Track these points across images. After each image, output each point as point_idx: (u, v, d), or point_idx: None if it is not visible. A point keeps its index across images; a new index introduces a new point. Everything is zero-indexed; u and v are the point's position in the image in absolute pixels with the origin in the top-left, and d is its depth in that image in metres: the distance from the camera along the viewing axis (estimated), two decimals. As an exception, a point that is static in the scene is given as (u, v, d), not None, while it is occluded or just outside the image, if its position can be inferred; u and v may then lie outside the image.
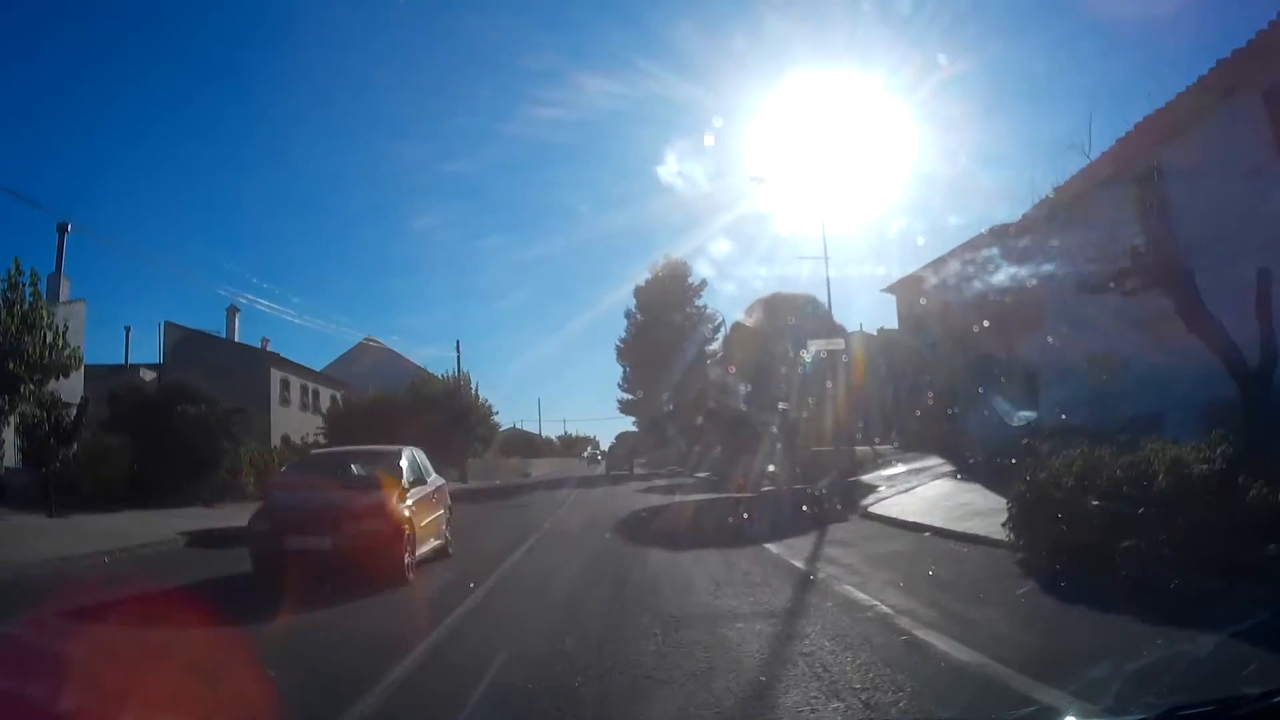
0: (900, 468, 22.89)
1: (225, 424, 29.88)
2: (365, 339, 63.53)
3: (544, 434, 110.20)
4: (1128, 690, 3.21)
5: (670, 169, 53.71)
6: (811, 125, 29.38)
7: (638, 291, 57.93)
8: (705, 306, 57.43)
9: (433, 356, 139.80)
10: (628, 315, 58.78)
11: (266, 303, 64.94)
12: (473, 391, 42.97)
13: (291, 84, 74.26)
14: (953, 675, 5.12)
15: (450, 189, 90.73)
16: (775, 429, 33.05)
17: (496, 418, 47.94)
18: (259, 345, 50.77)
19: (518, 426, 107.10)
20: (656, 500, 23.25)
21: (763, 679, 5.16)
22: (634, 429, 78.38)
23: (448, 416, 39.91)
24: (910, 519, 14.48)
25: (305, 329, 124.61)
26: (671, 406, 57.90)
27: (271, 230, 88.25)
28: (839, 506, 17.59)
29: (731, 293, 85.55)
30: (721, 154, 57.90)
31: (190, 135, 75.02)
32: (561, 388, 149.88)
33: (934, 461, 23.02)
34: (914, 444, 28.95)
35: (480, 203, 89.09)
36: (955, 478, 19.20)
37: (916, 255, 46.31)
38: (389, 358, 62.01)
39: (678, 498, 24.26)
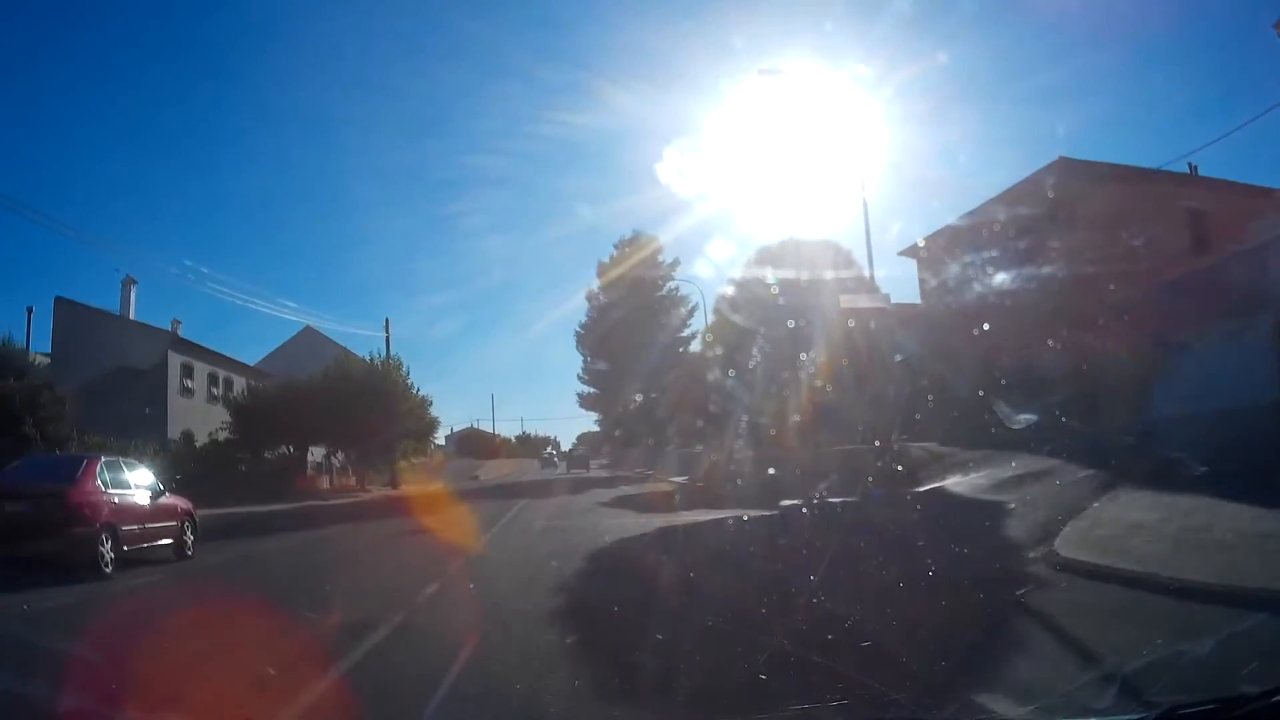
0: (1003, 470, 14.69)
1: (31, 403, 20.98)
2: (306, 327, 54.93)
3: (503, 433, 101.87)
4: (1128, 690, 2.79)
5: (659, 166, 47.29)
6: (802, 117, 24.16)
7: (601, 270, 49.44)
8: (678, 289, 49.11)
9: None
10: (589, 297, 50.23)
11: (222, 286, 55.15)
12: (404, 378, 33.98)
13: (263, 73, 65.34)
14: None
15: (422, 184, 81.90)
16: (768, 422, 25.05)
17: (434, 411, 39.28)
18: (159, 326, 41.11)
19: (475, 426, 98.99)
20: (633, 522, 14.75)
21: None
22: (596, 428, 70.91)
23: (371, 407, 31.13)
24: (1214, 580, 6.27)
25: (249, 323, 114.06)
26: (640, 399, 49.55)
27: (221, 218, 78.34)
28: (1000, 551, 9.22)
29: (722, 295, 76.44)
30: (713, 152, 51.01)
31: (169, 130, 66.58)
32: (523, 386, 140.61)
33: (1037, 463, 14.87)
34: (961, 439, 20.77)
35: (450, 197, 79.62)
36: (1125, 487, 11.06)
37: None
38: (331, 349, 53.86)
39: (665, 518, 15.61)
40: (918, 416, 24.02)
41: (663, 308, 48.01)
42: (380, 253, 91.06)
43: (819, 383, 23.18)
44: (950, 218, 35.10)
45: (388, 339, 36.64)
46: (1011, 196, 24.95)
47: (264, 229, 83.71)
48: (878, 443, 20.29)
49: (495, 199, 77.75)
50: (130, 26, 60.84)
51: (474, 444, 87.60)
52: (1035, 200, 24.60)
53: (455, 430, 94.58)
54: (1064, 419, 17.95)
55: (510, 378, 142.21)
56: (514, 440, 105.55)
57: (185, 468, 29.48)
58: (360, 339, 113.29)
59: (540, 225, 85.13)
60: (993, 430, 19.99)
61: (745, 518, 14.26)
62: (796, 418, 24.12)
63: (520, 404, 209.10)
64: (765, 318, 24.60)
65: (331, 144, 74.48)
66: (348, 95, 67.60)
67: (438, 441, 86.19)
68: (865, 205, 18.51)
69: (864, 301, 18.86)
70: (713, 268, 45.41)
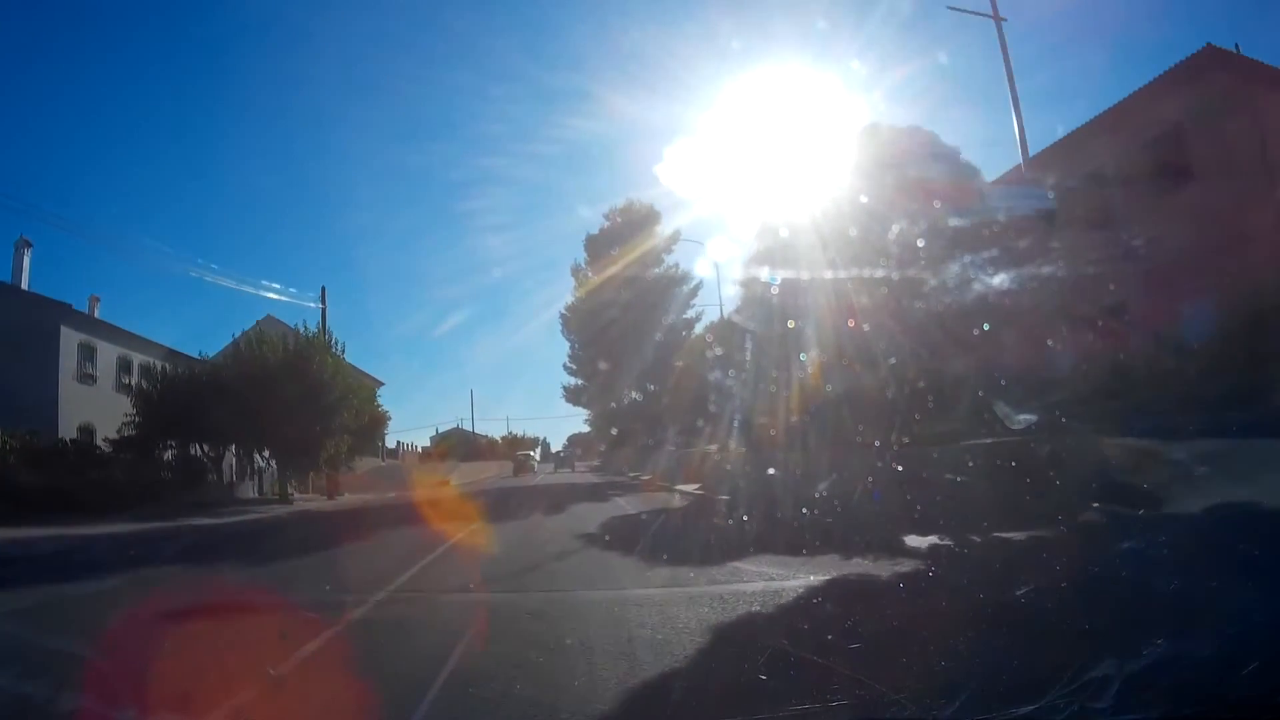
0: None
1: None
2: (267, 316, 48.04)
3: (486, 433, 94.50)
4: (1128, 690, 2.65)
5: (658, 166, 41.58)
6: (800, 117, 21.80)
7: (589, 243, 41.75)
8: (678, 266, 41.59)
9: (363, 353, 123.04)
10: (576, 273, 42.54)
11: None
12: (335, 358, 26.07)
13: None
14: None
15: (403, 181, 79.28)
16: (822, 413, 17.64)
17: (381, 404, 31.64)
18: (65, 300, 33.37)
19: (459, 425, 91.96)
20: (661, 605, 6.46)
21: None
22: (587, 428, 64.30)
23: (288, 396, 23.53)
24: None
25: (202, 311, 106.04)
26: (636, 397, 42.11)
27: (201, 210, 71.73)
28: None
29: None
30: (712, 151, 46.25)
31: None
32: (516, 387, 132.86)
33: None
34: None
35: (448, 197, 77.45)
36: None
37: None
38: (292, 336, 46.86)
39: (727, 581, 7.42)
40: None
41: (662, 286, 40.49)
42: (369, 251, 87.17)
43: (899, 350, 15.76)
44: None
45: (323, 311, 28.93)
46: (1149, 97, 17.76)
47: (254, 227, 77.92)
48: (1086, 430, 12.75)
49: (494, 199, 73.23)
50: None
51: (459, 445, 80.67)
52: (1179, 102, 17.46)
53: (440, 430, 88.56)
54: None
55: (502, 378, 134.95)
56: (500, 441, 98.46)
57: (27, 470, 21.69)
58: (343, 334, 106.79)
59: (537, 225, 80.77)
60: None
61: (884, 577, 6.79)
62: (859, 408, 16.79)
63: (513, 405, 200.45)
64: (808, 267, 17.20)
65: (324, 143, 72.31)
66: (344, 94, 65.44)
67: (423, 442, 79.99)
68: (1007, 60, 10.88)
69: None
70: (713, 267, 39.99)
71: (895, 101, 27.70)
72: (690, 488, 24.73)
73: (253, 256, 78.67)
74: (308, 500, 27.19)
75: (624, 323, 39.16)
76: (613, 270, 39.91)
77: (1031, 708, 2.67)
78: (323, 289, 29.74)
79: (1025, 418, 12.56)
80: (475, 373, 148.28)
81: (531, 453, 49.58)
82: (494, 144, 62.22)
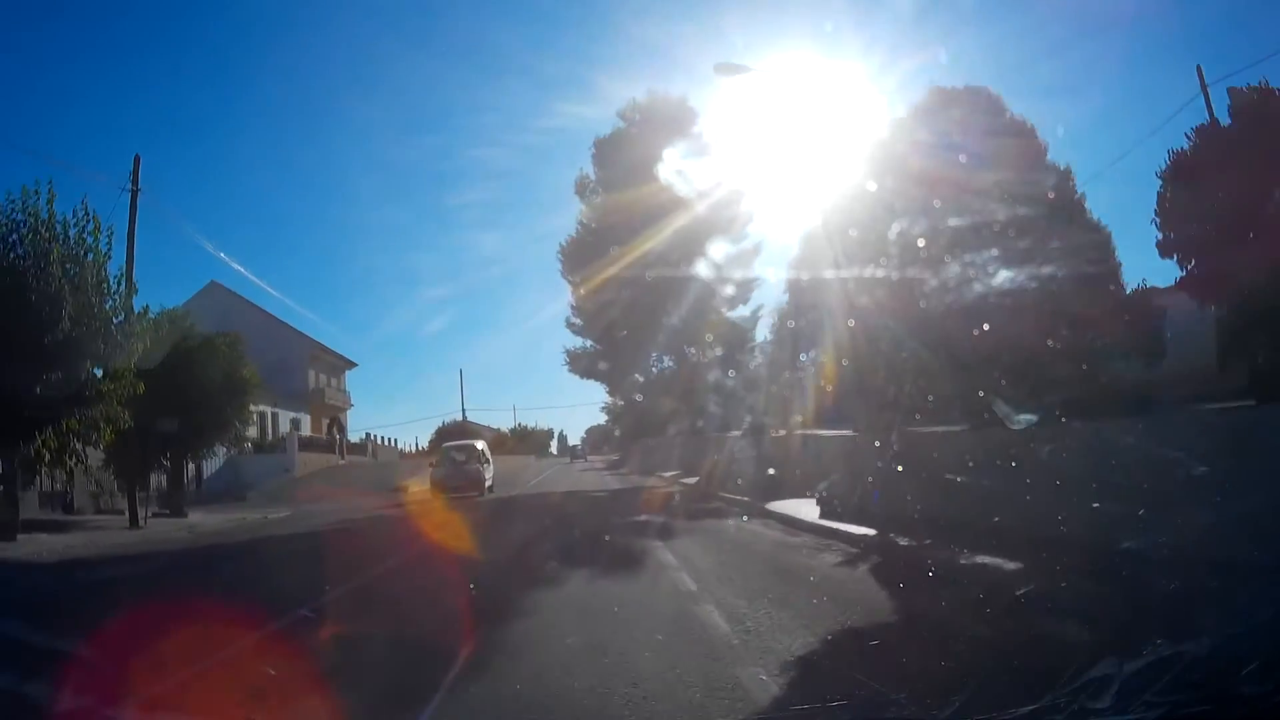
0: None
1: None
2: (211, 282, 42.45)
3: (498, 426, 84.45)
4: (1128, 690, 2.44)
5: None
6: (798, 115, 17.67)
7: (598, 149, 29.41)
8: (720, 185, 29.12)
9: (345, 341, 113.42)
10: (581, 188, 30.14)
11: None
12: (77, 256, 13.03)
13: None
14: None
15: (417, 177, 75.74)
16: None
17: (251, 364, 19.36)
18: None
19: (464, 418, 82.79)
20: None
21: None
22: (605, 417, 53.84)
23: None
24: None
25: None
26: (670, 361, 30.21)
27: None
28: None
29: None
30: (712, 150, 39.50)
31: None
32: (526, 377, 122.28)
33: None
34: None
35: (447, 189, 72.19)
36: None
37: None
38: (239, 307, 40.76)
39: None
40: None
41: (703, 212, 28.20)
42: (373, 245, 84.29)
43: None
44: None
45: (134, 193, 16.96)
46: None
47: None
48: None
49: (493, 191, 70.66)
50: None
51: (458, 438, 70.85)
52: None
53: (445, 422, 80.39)
54: None
55: (512, 370, 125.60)
56: (509, 434, 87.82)
57: None
58: (338, 339, 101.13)
59: (538, 220, 78.49)
60: None
61: None
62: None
63: (525, 396, 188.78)
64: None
65: (327, 138, 68.22)
66: (335, 86, 60.91)
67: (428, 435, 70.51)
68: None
69: None
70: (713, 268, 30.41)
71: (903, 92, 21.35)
72: (803, 509, 12.53)
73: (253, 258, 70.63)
74: (99, 531, 15.12)
75: (649, 259, 27.07)
76: (632, 191, 27.77)
77: (1031, 708, 2.47)
78: (136, 157, 18.20)
79: None
80: (484, 366, 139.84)
81: (479, 445, 30.90)
82: (488, 134, 61.04)
